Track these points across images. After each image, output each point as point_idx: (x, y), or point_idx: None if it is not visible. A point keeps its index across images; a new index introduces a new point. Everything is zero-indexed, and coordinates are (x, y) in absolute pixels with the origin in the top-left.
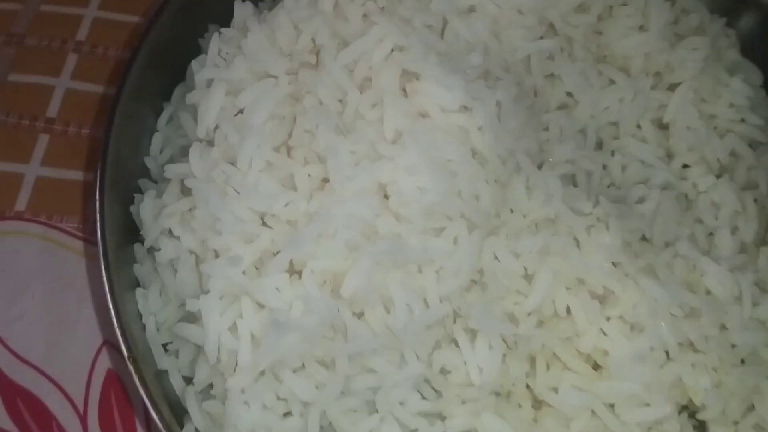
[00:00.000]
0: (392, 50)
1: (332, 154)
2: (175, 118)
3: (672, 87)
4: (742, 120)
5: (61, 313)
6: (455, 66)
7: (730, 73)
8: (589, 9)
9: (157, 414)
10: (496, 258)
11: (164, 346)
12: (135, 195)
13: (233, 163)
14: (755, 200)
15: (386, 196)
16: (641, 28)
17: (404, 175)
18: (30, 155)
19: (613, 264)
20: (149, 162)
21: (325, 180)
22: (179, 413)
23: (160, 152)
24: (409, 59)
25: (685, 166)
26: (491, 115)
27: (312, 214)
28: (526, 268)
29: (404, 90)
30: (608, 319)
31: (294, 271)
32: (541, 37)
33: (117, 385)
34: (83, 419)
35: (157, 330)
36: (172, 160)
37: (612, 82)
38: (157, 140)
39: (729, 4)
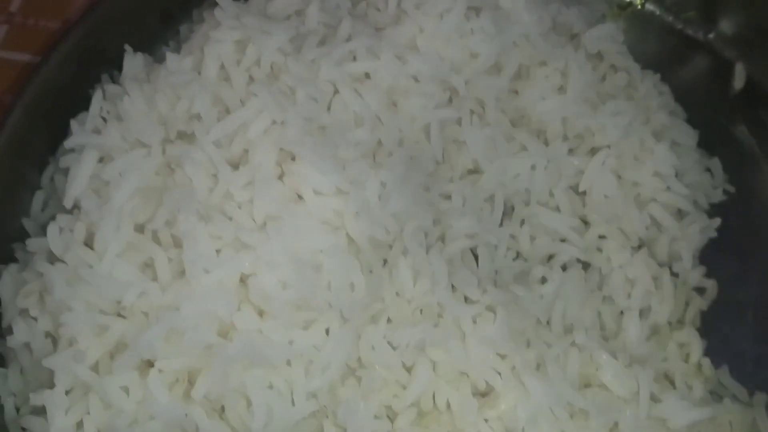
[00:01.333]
0: (272, 123)
1: (190, 242)
2: (54, 179)
3: (593, 151)
4: (668, 188)
5: None
6: (337, 142)
7: (657, 137)
8: (501, 71)
9: None
10: (374, 349)
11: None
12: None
13: (92, 246)
14: (677, 275)
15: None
16: (560, 89)
17: (266, 269)
18: None
19: (501, 356)
20: (27, 223)
21: None
22: None
23: (42, 211)
24: (286, 137)
25: (602, 237)
26: (370, 199)
27: (166, 308)
28: (403, 361)
29: (282, 168)
30: (486, 420)
31: (147, 368)
32: (451, 100)
33: None
34: None
35: (17, 412)
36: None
37: (524, 147)
38: (38, 198)
39: (679, 47)
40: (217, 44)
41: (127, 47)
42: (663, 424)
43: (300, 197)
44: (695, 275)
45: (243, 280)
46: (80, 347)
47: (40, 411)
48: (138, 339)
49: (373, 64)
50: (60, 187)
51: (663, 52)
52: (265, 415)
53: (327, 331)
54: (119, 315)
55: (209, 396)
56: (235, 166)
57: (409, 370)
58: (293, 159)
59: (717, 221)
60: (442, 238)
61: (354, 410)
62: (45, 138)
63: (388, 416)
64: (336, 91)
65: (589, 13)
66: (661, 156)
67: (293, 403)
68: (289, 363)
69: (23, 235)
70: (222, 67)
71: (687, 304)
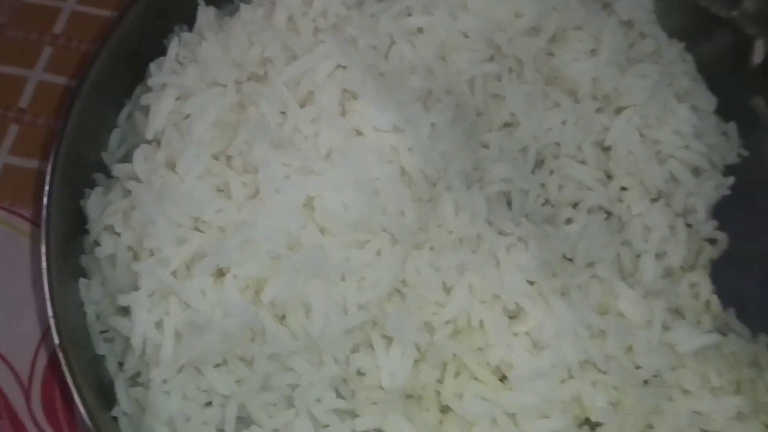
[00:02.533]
0: (336, 68)
1: (264, 166)
2: (132, 116)
3: (619, 111)
4: (687, 146)
5: (15, 293)
6: (394, 87)
7: (679, 99)
8: (540, 32)
9: (81, 400)
10: (418, 271)
11: (103, 333)
12: (86, 190)
13: (174, 169)
14: (691, 226)
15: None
16: (593, 52)
17: (330, 192)
18: None
19: (530, 283)
20: (106, 157)
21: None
22: (113, 397)
23: (118, 147)
24: (349, 79)
25: (624, 188)
26: (422, 137)
27: (241, 223)
28: (444, 282)
29: (344, 108)
30: (515, 334)
31: (222, 275)
32: (492, 58)
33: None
34: (27, 393)
35: (97, 318)
36: (128, 157)
37: (557, 104)
38: (115, 136)
39: (703, 22)
40: None
41: (199, 0)
42: (672, 349)
43: (360, 133)
44: (708, 227)
45: (308, 202)
46: (163, 255)
47: (125, 312)
48: (217, 248)
49: (427, 20)
50: (139, 125)
51: (688, 26)
52: (322, 321)
53: (378, 252)
54: (198, 230)
55: (275, 301)
56: (303, 105)
57: (448, 291)
58: (355, 99)
59: (730, 180)
60: (480, 182)
61: (399, 323)
62: (123, 82)
63: (427, 331)
64: (393, 42)
65: None
66: (682, 116)
67: (346, 312)
68: (343, 277)
69: (103, 168)
70: (290, 18)
71: (699, 252)
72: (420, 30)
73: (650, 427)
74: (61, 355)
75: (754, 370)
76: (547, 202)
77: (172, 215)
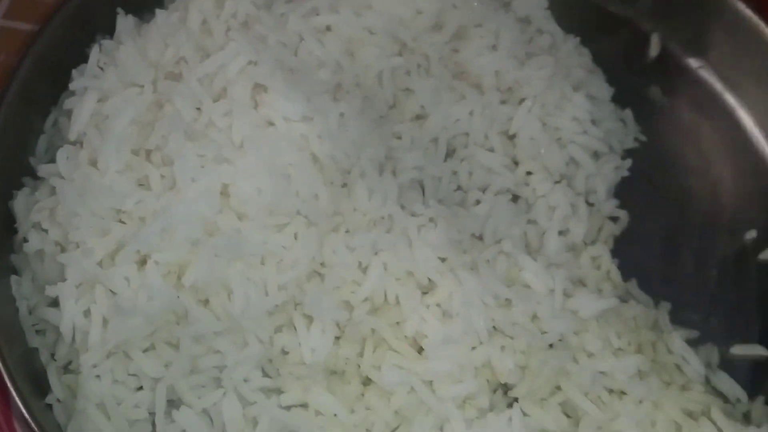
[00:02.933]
0: (247, 64)
1: (179, 157)
2: (58, 122)
3: (521, 101)
4: (585, 132)
5: None
6: (304, 80)
7: (575, 89)
8: (442, 29)
9: (15, 390)
10: (335, 252)
11: (34, 326)
12: (13, 191)
13: (96, 165)
14: (592, 204)
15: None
16: (494, 47)
17: (244, 178)
18: None
19: (441, 259)
20: (34, 161)
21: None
22: (46, 386)
23: (45, 152)
24: (259, 74)
25: (529, 173)
26: (332, 125)
27: (160, 211)
28: (360, 262)
29: (255, 101)
30: (428, 306)
31: (144, 262)
32: (400, 54)
33: None
34: None
35: (29, 313)
36: (54, 159)
37: (463, 97)
38: (42, 141)
39: (601, 18)
40: (200, 1)
41: (119, 10)
42: (575, 314)
43: (271, 123)
44: (609, 206)
45: (224, 190)
46: (88, 246)
47: (54, 303)
48: (137, 235)
49: (334, 18)
50: (63, 128)
51: (586, 22)
52: (243, 302)
53: (295, 235)
54: (120, 221)
55: (196, 285)
56: (216, 99)
57: (364, 270)
58: (266, 92)
59: (628, 162)
60: (393, 171)
61: (318, 302)
62: (47, 90)
63: (346, 309)
64: (302, 39)
65: None
66: (579, 104)
67: (267, 293)
68: (263, 260)
69: (31, 172)
70: (203, 20)
71: (601, 229)
72: (328, 28)
73: (558, 388)
74: None
75: (654, 332)
76: (459, 188)
77: (94, 208)
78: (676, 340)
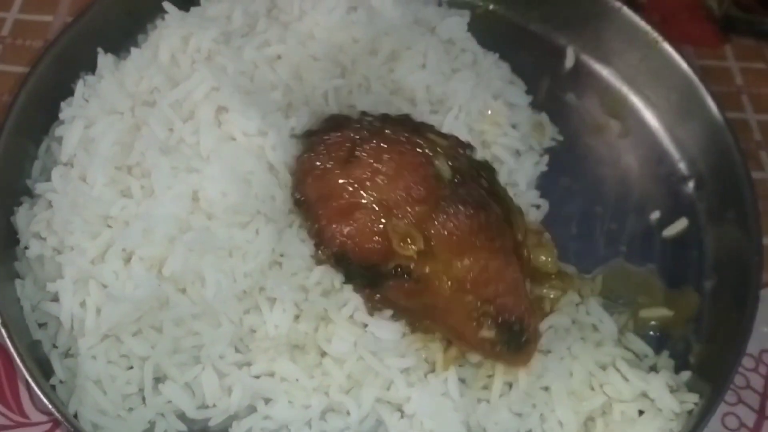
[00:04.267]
0: (210, 90)
1: (156, 169)
2: (50, 148)
3: (449, 110)
4: (505, 134)
5: None
6: (259, 101)
7: (495, 98)
8: (377, 53)
9: (27, 371)
10: (290, 244)
11: (38, 323)
12: (14, 208)
13: (85, 180)
14: (515, 195)
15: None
16: (423, 66)
17: (211, 184)
18: None
19: None
20: (30, 183)
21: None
22: (49, 371)
23: (40, 174)
24: (221, 97)
25: None
26: (284, 138)
27: (141, 215)
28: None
29: (219, 120)
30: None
31: (129, 259)
32: (342, 76)
33: (3, 353)
34: None
35: (32, 310)
36: (48, 179)
37: (400, 109)
38: (37, 165)
39: (520, 35)
40: (168, 39)
41: (99, 50)
42: None
43: (233, 138)
44: (530, 195)
45: (194, 195)
46: (81, 248)
47: (54, 299)
48: (122, 236)
49: (283, 48)
50: (55, 153)
51: (508, 39)
52: (215, 288)
53: (257, 231)
54: (108, 225)
55: (175, 275)
56: (186, 120)
57: (315, 259)
58: (227, 112)
59: (546, 158)
60: None
61: (278, 286)
62: (40, 121)
63: (302, 291)
64: (257, 67)
65: (442, 10)
66: (498, 111)
67: (235, 280)
68: (230, 252)
69: (28, 192)
70: (172, 56)
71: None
72: (278, 56)
73: None
74: (3, 331)
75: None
76: None
77: (85, 216)
78: (594, 304)
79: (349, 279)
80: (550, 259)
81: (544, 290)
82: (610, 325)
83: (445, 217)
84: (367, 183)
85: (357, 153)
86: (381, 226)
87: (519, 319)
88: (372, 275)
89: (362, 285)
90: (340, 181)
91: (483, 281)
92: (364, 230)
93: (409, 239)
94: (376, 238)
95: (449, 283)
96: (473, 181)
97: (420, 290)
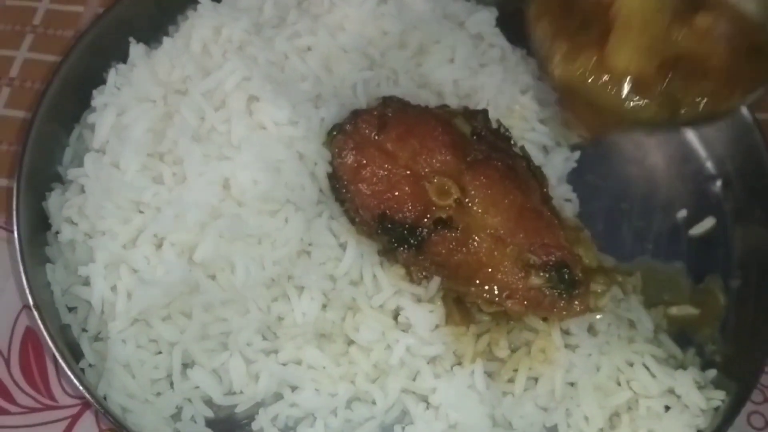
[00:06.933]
0: (242, 79)
1: (188, 156)
2: (81, 135)
3: (477, 104)
4: (533, 129)
5: None
6: (289, 91)
7: (522, 93)
8: (406, 46)
9: (59, 353)
10: (319, 234)
11: (68, 307)
12: (46, 193)
13: (117, 166)
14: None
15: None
16: (451, 60)
17: (242, 172)
18: None
19: None
20: (61, 170)
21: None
22: (78, 355)
23: (71, 162)
24: (252, 87)
25: None
26: (314, 127)
27: (173, 201)
28: (340, 242)
29: (250, 109)
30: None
31: (161, 245)
32: (371, 69)
33: (33, 336)
34: (7, 360)
35: (62, 294)
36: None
37: (428, 103)
38: (68, 153)
39: None
40: (200, 29)
41: (131, 39)
42: None
43: (263, 127)
44: (562, 190)
45: (225, 183)
46: (113, 232)
47: (85, 283)
48: (154, 222)
49: (313, 39)
50: (86, 140)
51: None
52: (244, 275)
53: (286, 219)
54: (139, 211)
55: (205, 261)
56: (217, 109)
57: (343, 248)
58: (258, 101)
59: (576, 154)
60: None
61: (306, 274)
62: (72, 109)
63: (331, 281)
64: (287, 58)
65: (471, 6)
66: (527, 105)
67: (263, 268)
68: (260, 240)
69: (59, 178)
70: (204, 46)
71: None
72: (308, 47)
73: None
74: (36, 314)
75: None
76: None
77: (118, 201)
78: (634, 301)
79: (391, 245)
80: (590, 255)
81: (591, 284)
82: (647, 323)
83: (475, 167)
84: (400, 146)
85: (386, 122)
86: (417, 183)
87: (564, 260)
88: (414, 235)
89: (406, 248)
90: (374, 149)
91: (521, 228)
92: (402, 189)
93: (446, 188)
94: (414, 195)
95: (490, 231)
96: (493, 138)
97: (462, 242)
